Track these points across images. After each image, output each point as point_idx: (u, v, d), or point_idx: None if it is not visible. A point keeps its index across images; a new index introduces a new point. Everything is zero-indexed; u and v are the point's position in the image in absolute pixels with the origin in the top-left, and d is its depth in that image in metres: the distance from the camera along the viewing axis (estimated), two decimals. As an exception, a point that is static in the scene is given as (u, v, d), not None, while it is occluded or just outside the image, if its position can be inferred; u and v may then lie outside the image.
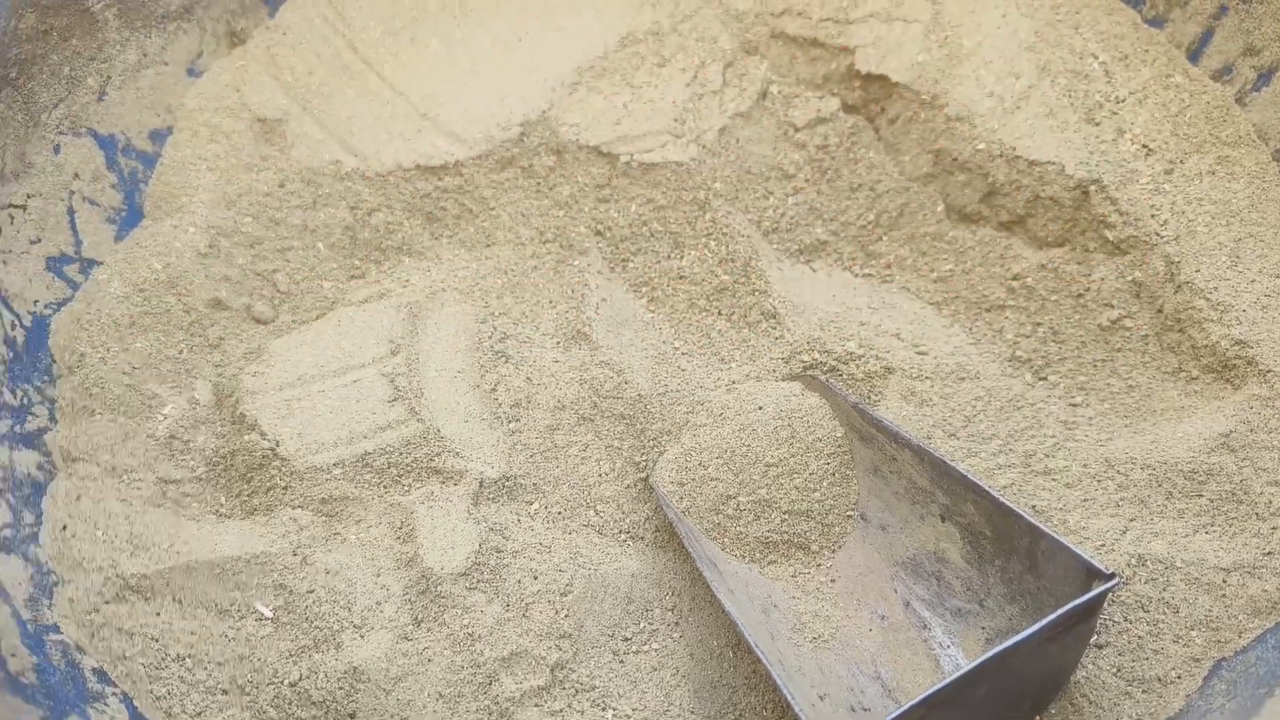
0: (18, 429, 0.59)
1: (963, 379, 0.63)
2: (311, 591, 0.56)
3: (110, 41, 0.69)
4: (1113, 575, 0.45)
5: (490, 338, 0.66)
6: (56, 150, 0.66)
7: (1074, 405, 0.62)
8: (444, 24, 0.78)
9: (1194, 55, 0.68)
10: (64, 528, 0.56)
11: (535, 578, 0.56)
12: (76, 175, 0.67)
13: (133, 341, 0.65)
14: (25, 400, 0.60)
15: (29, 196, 0.64)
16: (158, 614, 0.54)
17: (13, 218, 0.63)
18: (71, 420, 0.61)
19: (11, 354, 0.60)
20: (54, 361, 0.62)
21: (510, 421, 0.62)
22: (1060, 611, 0.44)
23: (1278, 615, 0.49)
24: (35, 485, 0.57)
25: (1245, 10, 0.65)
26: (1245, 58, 0.66)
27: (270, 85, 0.74)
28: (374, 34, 0.77)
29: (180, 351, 0.66)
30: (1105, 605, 0.52)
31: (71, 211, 0.66)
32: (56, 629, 0.52)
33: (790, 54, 0.75)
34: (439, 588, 0.55)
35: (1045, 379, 0.64)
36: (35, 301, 0.63)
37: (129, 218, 0.69)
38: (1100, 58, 0.70)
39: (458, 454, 0.60)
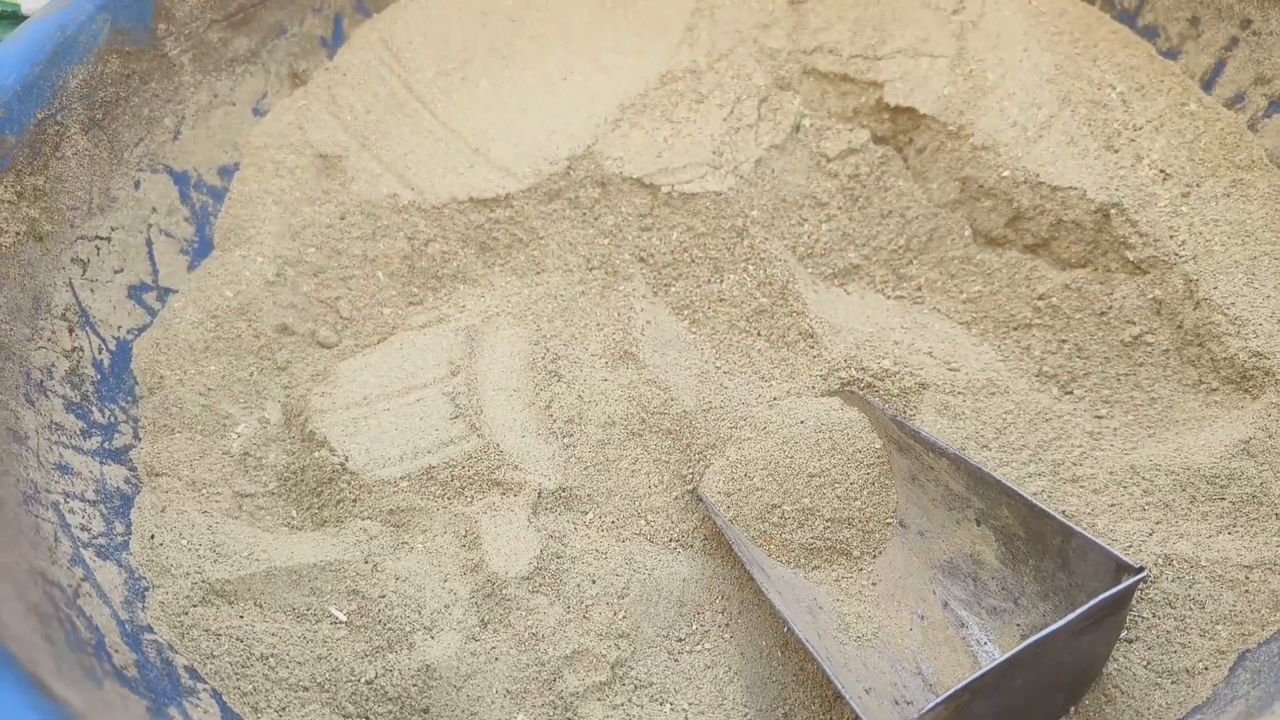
0: (106, 445, 0.62)
1: (993, 394, 0.66)
2: (383, 596, 0.59)
3: (185, 84, 0.73)
4: (1141, 569, 0.48)
5: (543, 358, 0.69)
6: (137, 186, 0.70)
7: (1099, 417, 0.65)
8: (493, 65, 0.83)
9: (1207, 84, 0.72)
10: (152, 537, 0.60)
11: (594, 582, 0.59)
12: (154, 209, 0.71)
13: (207, 365, 0.69)
14: (112, 419, 0.64)
15: (113, 229, 0.68)
16: (241, 617, 0.58)
17: (99, 249, 0.67)
18: (153, 437, 0.65)
19: (99, 376, 0.64)
20: (136, 383, 0.66)
21: (564, 437, 0.66)
22: (1091, 604, 0.47)
23: (1299, 609, 0.52)
24: (124, 498, 0.61)
25: (1255, 42, 0.69)
26: (1256, 86, 0.69)
27: (330, 123, 0.78)
28: (428, 74, 0.82)
29: (251, 374, 0.70)
30: (1134, 602, 0.55)
31: (150, 243, 0.71)
32: (150, 629, 0.55)
33: (822, 89, 0.79)
34: (504, 591, 0.58)
35: (1071, 393, 0.67)
36: (119, 327, 0.67)
37: (200, 249, 0.74)
38: (1118, 88, 0.73)
39: (517, 467, 0.64)
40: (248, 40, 0.76)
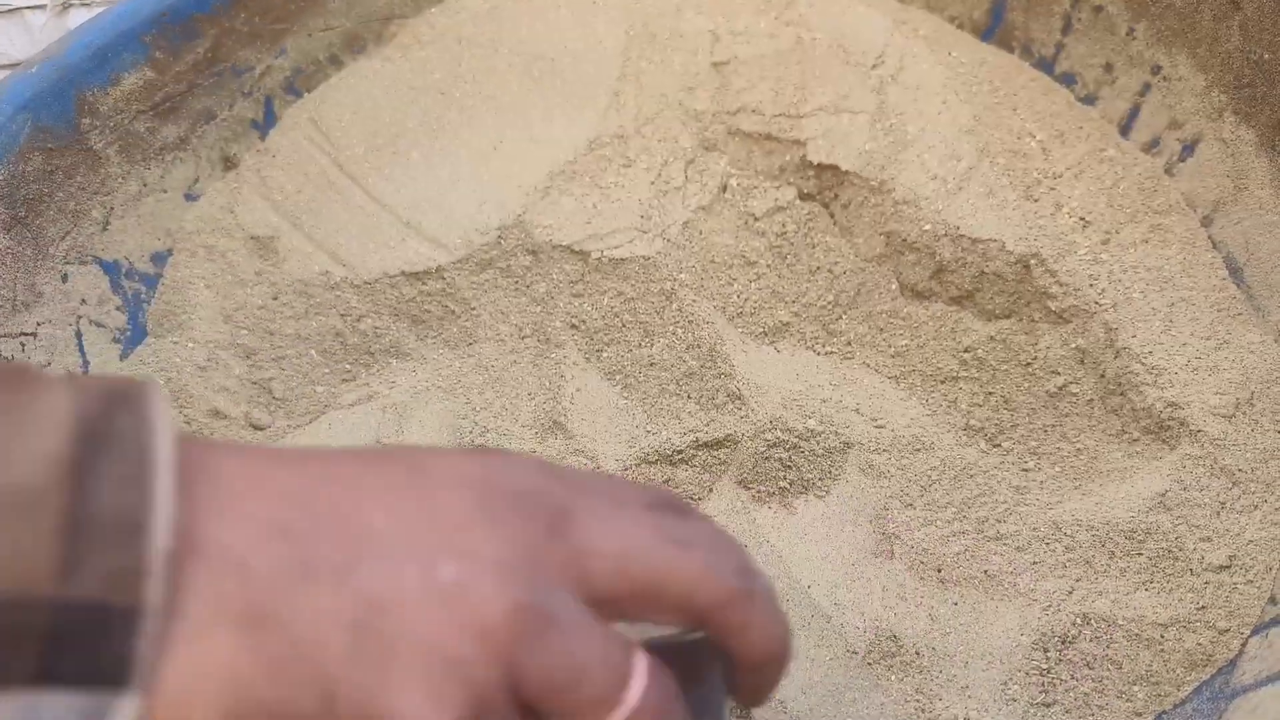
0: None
1: (918, 450, 0.66)
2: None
3: (113, 175, 0.74)
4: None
5: (470, 433, 0.69)
6: (64, 279, 0.71)
7: (1026, 470, 0.64)
8: (423, 138, 0.83)
9: (1125, 130, 0.72)
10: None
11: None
12: (84, 300, 0.72)
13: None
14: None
15: (39, 324, 0.69)
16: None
17: (24, 345, 0.68)
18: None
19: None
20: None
21: (490, 512, 0.66)
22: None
23: (1212, 667, 0.51)
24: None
25: (1166, 87, 0.69)
26: (1170, 130, 0.69)
27: (261, 205, 0.79)
28: (358, 151, 0.82)
29: (182, 460, 0.70)
30: (1055, 665, 0.54)
31: (79, 335, 0.71)
32: None
33: (747, 149, 0.80)
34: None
35: (999, 445, 0.66)
36: (46, 421, 0.67)
37: (134, 336, 0.74)
38: (1038, 136, 0.74)
39: (440, 546, 0.63)
40: (176, 128, 0.77)
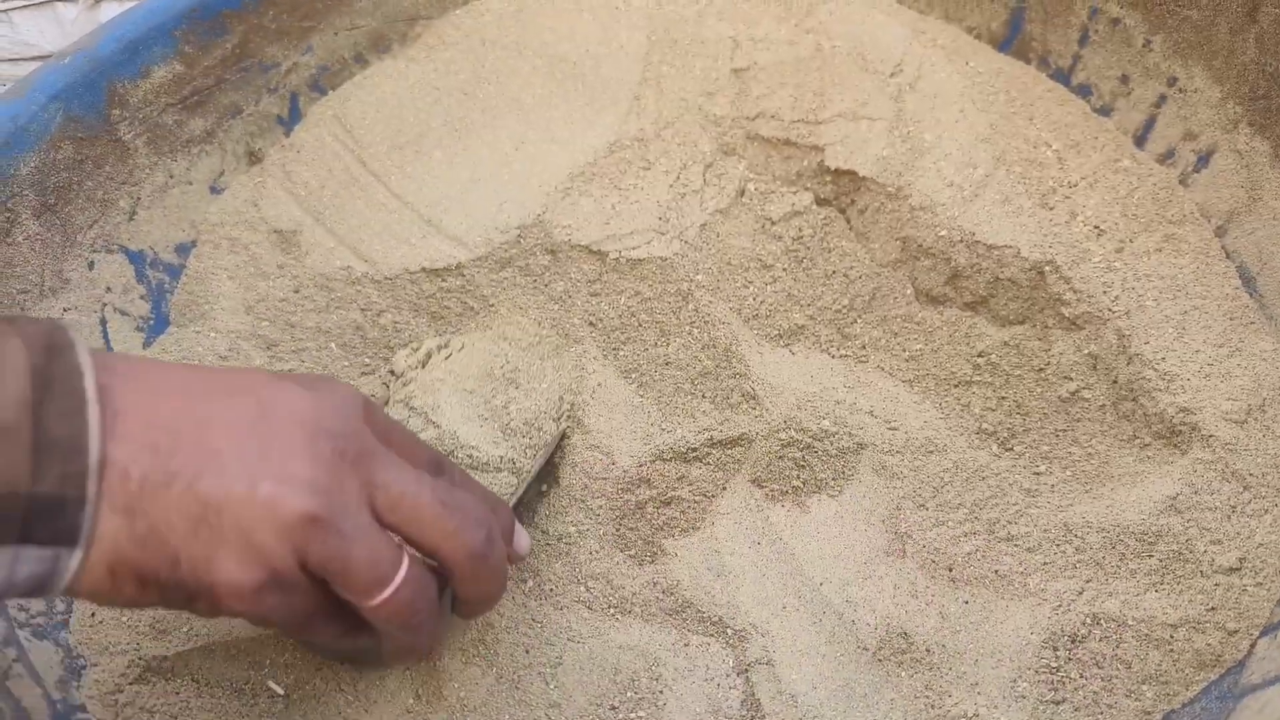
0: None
1: (931, 452, 0.67)
2: (319, 670, 0.59)
3: (140, 166, 0.75)
4: None
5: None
6: (91, 266, 0.72)
7: (1037, 474, 0.65)
8: (447, 138, 0.84)
9: (1140, 141, 0.73)
10: (93, 614, 0.60)
11: (526, 651, 0.60)
12: (109, 289, 0.73)
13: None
14: (59, 497, 0.65)
15: (65, 310, 0.70)
16: (177, 693, 0.58)
17: (50, 330, 0.69)
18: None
19: (47, 455, 0.65)
20: (86, 461, 0.68)
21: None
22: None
23: (1221, 668, 0.52)
24: (67, 576, 0.62)
25: (1182, 99, 0.70)
26: (1185, 142, 0.70)
27: (285, 199, 0.80)
28: (382, 149, 0.83)
29: (202, 448, 0.71)
30: (1064, 663, 0.55)
31: (104, 322, 0.72)
32: (84, 709, 0.56)
33: (765, 154, 0.81)
34: (438, 663, 0.58)
35: (1011, 449, 0.67)
36: (70, 406, 0.68)
37: (156, 326, 0.75)
38: (1053, 146, 0.74)
39: (456, 536, 0.64)
40: (203, 121, 0.78)
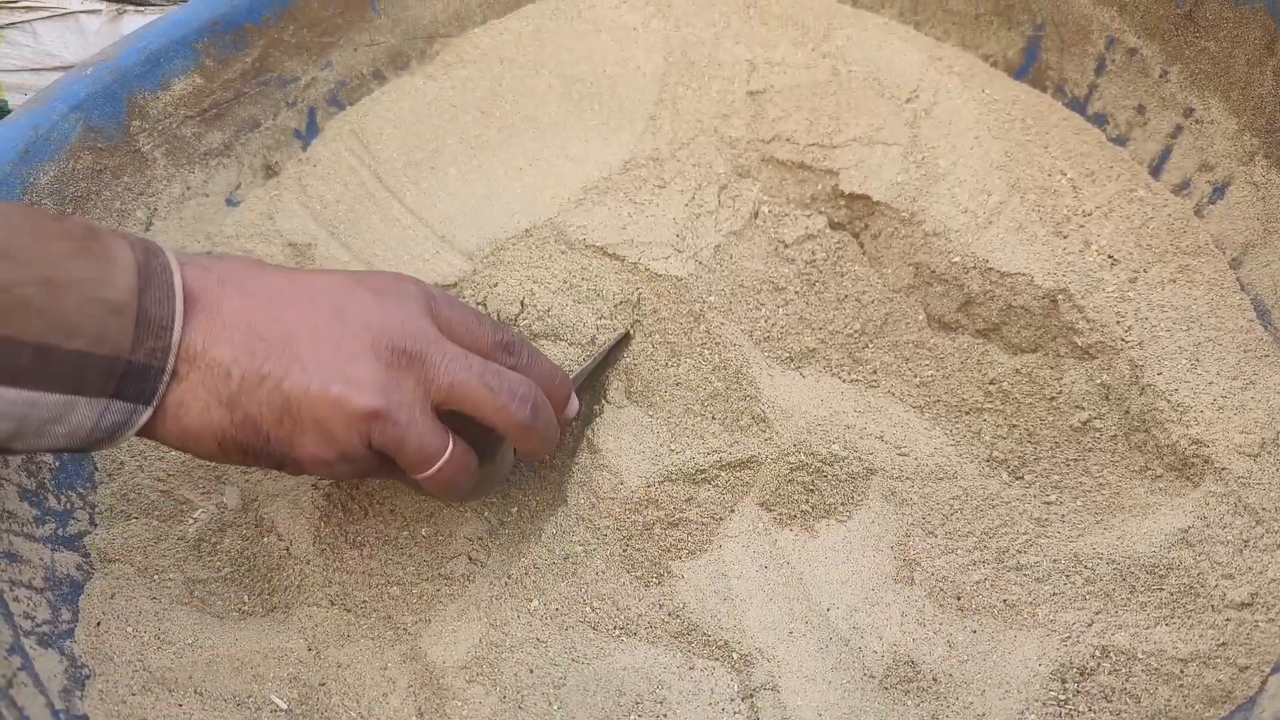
0: (60, 532, 0.64)
1: (941, 479, 0.66)
2: (324, 684, 0.59)
3: (158, 177, 0.76)
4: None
5: (497, 443, 0.70)
6: (106, 276, 0.72)
7: (1048, 503, 0.65)
8: (462, 154, 0.85)
9: (1155, 171, 0.73)
10: (98, 624, 0.60)
11: (531, 671, 0.59)
12: (123, 298, 0.73)
13: (168, 450, 0.70)
14: (69, 505, 0.65)
15: (79, 319, 0.70)
16: (180, 705, 0.58)
17: (64, 338, 0.69)
18: (109, 523, 0.66)
19: (58, 462, 0.66)
20: (96, 468, 0.68)
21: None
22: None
23: (1231, 704, 0.51)
24: (74, 584, 0.62)
25: (1198, 130, 0.70)
26: (1201, 173, 0.70)
27: (300, 213, 0.81)
28: (397, 165, 0.84)
29: (212, 459, 0.71)
30: (1072, 696, 0.54)
31: (117, 331, 0.72)
32: (87, 719, 0.56)
33: (780, 176, 0.81)
34: (441, 680, 0.58)
35: (1021, 478, 0.67)
36: (81, 414, 0.68)
37: (170, 336, 0.75)
38: (1068, 174, 0.74)
39: (467, 556, 0.64)
40: (221, 134, 0.79)
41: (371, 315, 0.51)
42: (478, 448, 0.55)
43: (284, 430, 0.48)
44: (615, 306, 0.73)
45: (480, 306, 0.70)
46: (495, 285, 0.71)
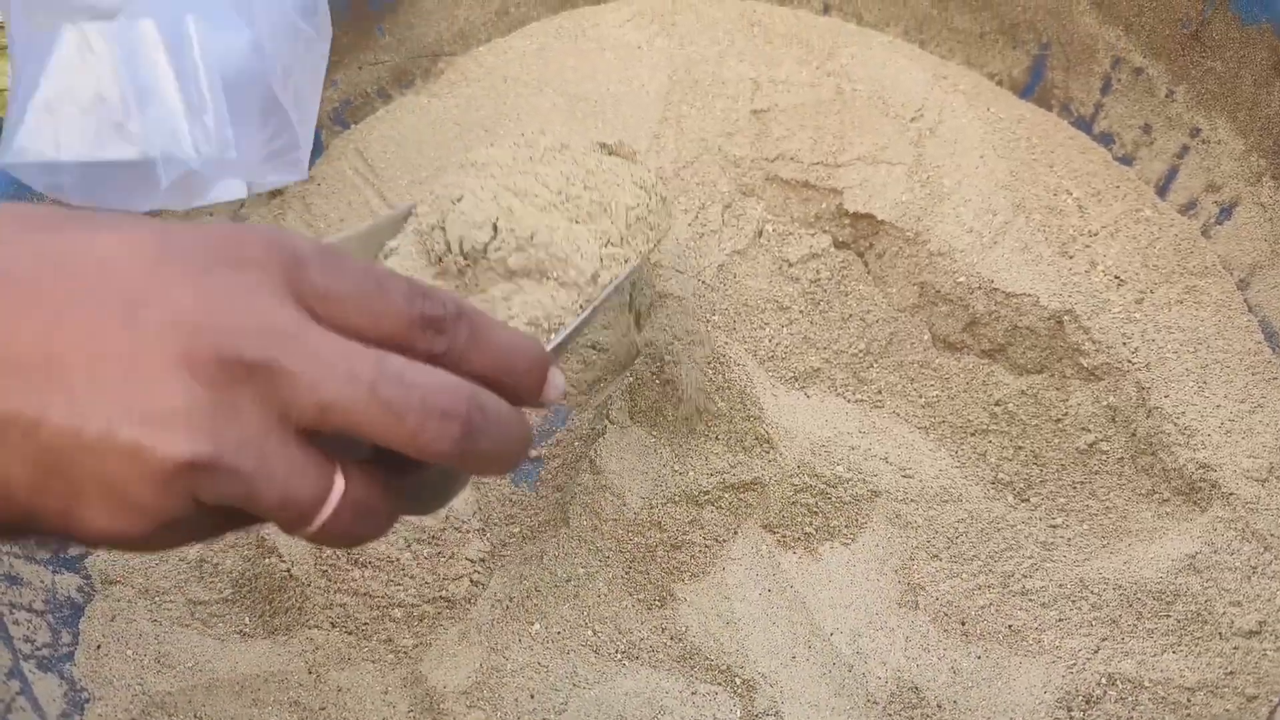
0: (61, 553, 0.63)
1: (946, 501, 0.66)
2: (324, 709, 0.59)
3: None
4: None
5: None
6: (109, 296, 0.72)
7: (1054, 526, 0.64)
8: (465, 175, 0.85)
9: (1162, 190, 0.72)
10: (98, 646, 0.60)
11: (531, 697, 0.59)
12: (126, 318, 0.73)
13: (171, 470, 0.70)
14: (70, 527, 0.65)
15: (82, 339, 0.70)
16: (179, 729, 0.58)
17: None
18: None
19: (59, 484, 0.66)
20: (98, 490, 0.68)
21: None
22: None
23: (1239, 734, 0.51)
24: (75, 606, 0.62)
25: (1205, 150, 0.70)
26: (1208, 193, 0.69)
27: (304, 231, 0.81)
28: (401, 183, 0.84)
29: (214, 479, 0.71)
30: (1078, 724, 0.54)
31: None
32: (85, 743, 0.55)
33: (784, 195, 0.81)
34: (441, 705, 0.58)
35: (1027, 500, 0.66)
36: (83, 435, 0.68)
37: (173, 355, 0.75)
38: (1074, 194, 0.74)
39: (469, 578, 0.64)
40: (225, 153, 0.79)
41: (184, 306, 0.31)
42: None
43: (52, 500, 0.30)
44: (629, 227, 0.53)
45: (438, 231, 0.47)
46: (459, 199, 0.49)
